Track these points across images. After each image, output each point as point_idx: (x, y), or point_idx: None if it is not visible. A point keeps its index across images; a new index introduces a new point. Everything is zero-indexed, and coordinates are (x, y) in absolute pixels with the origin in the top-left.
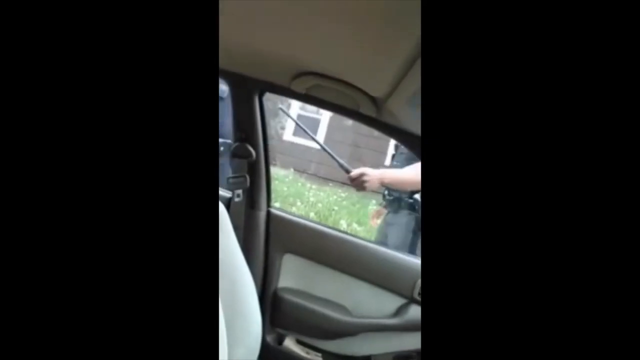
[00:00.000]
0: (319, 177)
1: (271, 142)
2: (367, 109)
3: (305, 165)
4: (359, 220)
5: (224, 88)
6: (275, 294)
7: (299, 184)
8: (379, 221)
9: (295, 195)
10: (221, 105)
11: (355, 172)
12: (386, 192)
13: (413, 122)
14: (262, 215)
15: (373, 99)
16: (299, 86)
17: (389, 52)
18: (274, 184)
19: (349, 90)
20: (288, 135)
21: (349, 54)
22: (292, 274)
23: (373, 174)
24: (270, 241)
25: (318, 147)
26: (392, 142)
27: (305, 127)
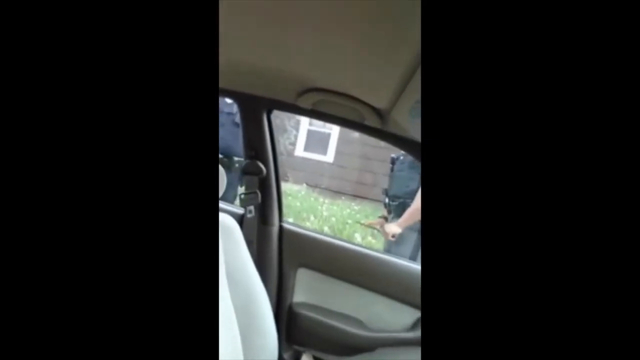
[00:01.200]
0: (332, 191)
1: (282, 158)
2: (373, 121)
3: (317, 179)
4: (374, 233)
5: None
6: (290, 309)
7: (312, 198)
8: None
9: (308, 210)
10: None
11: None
12: (387, 200)
13: (417, 131)
14: (275, 230)
15: (378, 111)
16: (304, 102)
17: (390, 64)
18: (287, 200)
19: (354, 104)
20: (299, 150)
21: (351, 68)
22: (307, 288)
23: (391, 227)
24: (283, 256)
25: (330, 161)
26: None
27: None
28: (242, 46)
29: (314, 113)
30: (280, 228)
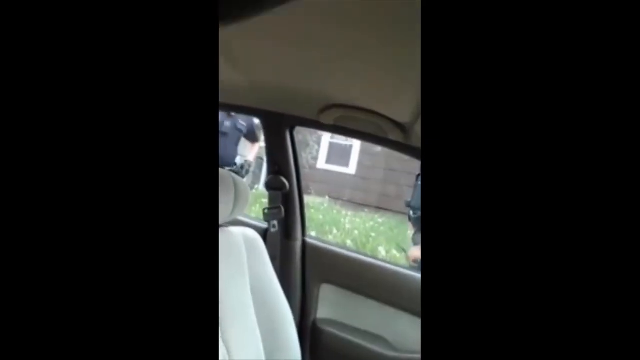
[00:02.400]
0: (355, 203)
1: (304, 171)
2: (396, 135)
3: (340, 192)
4: (398, 246)
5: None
6: (314, 325)
7: (334, 211)
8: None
9: (331, 223)
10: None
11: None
12: (411, 212)
13: None
14: (298, 245)
15: (400, 125)
16: (326, 118)
17: (411, 79)
18: (310, 213)
19: (376, 119)
20: (321, 162)
21: (372, 84)
22: (330, 304)
23: (413, 251)
24: (306, 271)
25: (352, 173)
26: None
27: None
28: (265, 67)
29: (336, 128)
30: (304, 243)
